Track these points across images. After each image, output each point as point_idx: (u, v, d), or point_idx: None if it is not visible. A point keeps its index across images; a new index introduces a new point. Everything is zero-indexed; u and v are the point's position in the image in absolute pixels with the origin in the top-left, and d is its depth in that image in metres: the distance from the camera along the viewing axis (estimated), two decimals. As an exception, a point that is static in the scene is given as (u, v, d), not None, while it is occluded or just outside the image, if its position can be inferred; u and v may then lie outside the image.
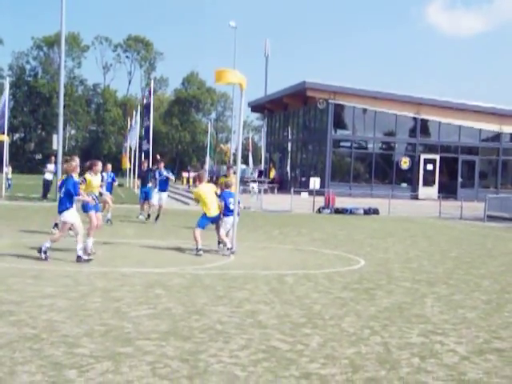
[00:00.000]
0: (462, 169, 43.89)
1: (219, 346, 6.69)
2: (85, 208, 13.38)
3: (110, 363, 5.96)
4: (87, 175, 14.16)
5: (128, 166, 51.01)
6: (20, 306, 8.20)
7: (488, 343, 7.36)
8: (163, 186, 21.89)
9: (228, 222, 14.50)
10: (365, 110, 42.13)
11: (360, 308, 8.96)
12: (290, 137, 47.37)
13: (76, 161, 12.76)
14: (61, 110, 32.39)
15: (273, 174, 47.88)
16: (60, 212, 12.39)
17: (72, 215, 12.26)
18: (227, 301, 9.05)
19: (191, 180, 62.56)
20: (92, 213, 13.33)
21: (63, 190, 12.41)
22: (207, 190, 14.41)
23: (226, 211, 14.46)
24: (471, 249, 17.82)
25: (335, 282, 11.00)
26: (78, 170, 12.75)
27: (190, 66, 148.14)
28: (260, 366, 6.11)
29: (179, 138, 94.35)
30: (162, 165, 22.28)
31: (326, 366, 6.20)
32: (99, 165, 14.48)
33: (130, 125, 52.67)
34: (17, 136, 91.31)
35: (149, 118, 30.26)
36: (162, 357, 6.25)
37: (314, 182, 33.21)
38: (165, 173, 21.85)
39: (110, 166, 20.79)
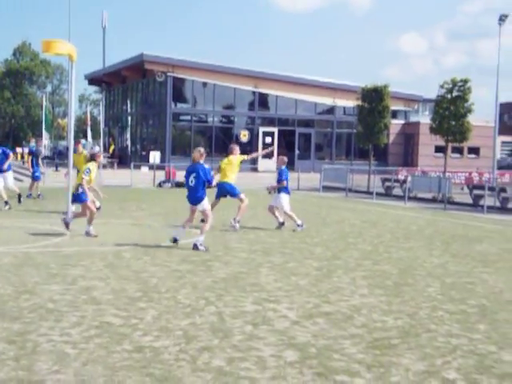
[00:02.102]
0: (299, 141, 45.41)
1: (50, 325, 6.49)
2: None
3: None
4: None
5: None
6: None
7: (317, 307, 7.70)
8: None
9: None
10: (205, 84, 42.30)
11: (196, 280, 9.04)
12: (129, 110, 46.60)
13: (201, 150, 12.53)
14: None
15: (112, 148, 46.93)
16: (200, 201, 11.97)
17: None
18: (60, 278, 8.79)
19: (26, 156, 60.04)
20: None
21: (199, 178, 11.94)
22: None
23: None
24: (307, 218, 18.47)
25: (173, 255, 11.01)
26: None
27: (21, 36, 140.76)
28: (92, 342, 5.99)
29: (12, 112, 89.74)
30: None
31: (160, 338, 6.20)
32: None
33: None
34: None
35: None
36: (-13, 340, 5.96)
37: (154, 156, 32.93)
38: None
39: None
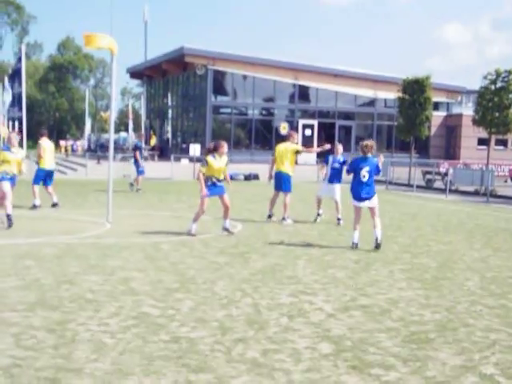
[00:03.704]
0: (340, 133, 45.11)
1: (88, 315, 6.59)
2: None
3: (-30, 338, 5.74)
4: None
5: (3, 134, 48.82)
6: None
7: (354, 300, 7.66)
8: None
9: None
10: (245, 76, 42.30)
11: (233, 271, 9.08)
12: (170, 103, 46.89)
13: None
14: None
15: (153, 141, 47.33)
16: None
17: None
18: (100, 269, 8.91)
19: (69, 148, 60.92)
20: None
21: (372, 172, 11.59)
22: None
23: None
24: (346, 211, 18.40)
25: (211, 247, 11.07)
26: None
27: (65, 31, 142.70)
28: (129, 332, 6.07)
29: (56, 106, 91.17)
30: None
31: (196, 329, 6.25)
32: None
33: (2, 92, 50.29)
34: None
35: (20, 84, 28.95)
36: (27, 328, 6.09)
37: (194, 149, 33.09)
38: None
39: None
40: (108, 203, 13.97)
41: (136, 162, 22.77)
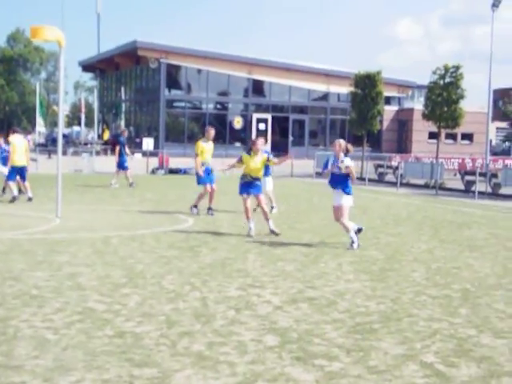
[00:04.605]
0: (293, 127, 45.38)
1: (32, 311, 6.51)
2: None
3: None
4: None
5: None
6: None
7: (301, 293, 7.73)
8: None
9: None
10: (199, 70, 42.22)
11: (183, 265, 9.07)
12: (123, 97, 46.47)
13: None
14: None
15: (106, 135, 46.86)
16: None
17: None
18: (47, 265, 8.80)
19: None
20: None
21: None
22: None
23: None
24: (298, 204, 18.57)
25: (161, 242, 11.03)
26: None
27: (15, 23, 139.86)
28: (74, 327, 6.03)
29: (6, 99, 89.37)
30: None
31: (142, 323, 6.23)
32: None
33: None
34: None
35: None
36: (-31, 326, 5.99)
37: (148, 143, 32.89)
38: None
39: None
40: (57, 198, 13.78)
41: (120, 156, 22.66)
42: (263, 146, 12.67)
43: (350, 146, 11.22)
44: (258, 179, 12.35)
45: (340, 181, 11.03)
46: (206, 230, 12.53)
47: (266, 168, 14.88)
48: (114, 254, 9.80)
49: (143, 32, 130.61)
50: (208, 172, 15.16)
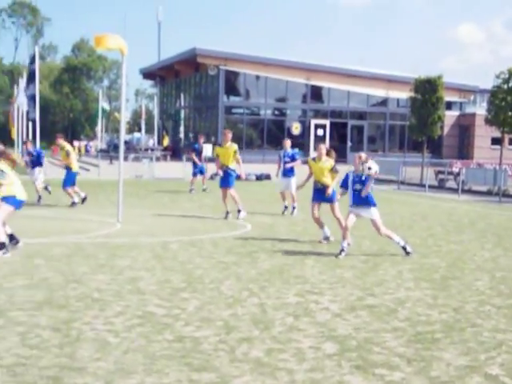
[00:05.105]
0: (352, 133, 45.06)
1: (94, 314, 6.61)
2: None
3: (-24, 336, 5.78)
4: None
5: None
6: None
7: (360, 300, 7.64)
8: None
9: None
10: (257, 77, 42.35)
11: (241, 271, 9.07)
12: (182, 104, 47.00)
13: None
14: None
15: (166, 141, 47.45)
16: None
17: None
18: (108, 269, 8.94)
19: (82, 149, 61.10)
20: None
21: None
22: None
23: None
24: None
25: (219, 247, 11.07)
26: None
27: (79, 33, 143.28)
28: (134, 331, 6.09)
29: (70, 107, 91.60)
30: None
31: (201, 328, 6.25)
32: None
33: (17, 93, 50.64)
34: None
35: (34, 86, 29.17)
36: (33, 327, 6.12)
37: (206, 149, 33.07)
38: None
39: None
40: (118, 203, 14.01)
41: (194, 163, 23.67)
42: (295, 149, 12.81)
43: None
44: (325, 187, 12.02)
45: (364, 197, 10.59)
46: (263, 236, 12.53)
47: (291, 169, 16.41)
48: (174, 258, 9.88)
49: (202, 39, 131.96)
50: (225, 175, 15.53)
